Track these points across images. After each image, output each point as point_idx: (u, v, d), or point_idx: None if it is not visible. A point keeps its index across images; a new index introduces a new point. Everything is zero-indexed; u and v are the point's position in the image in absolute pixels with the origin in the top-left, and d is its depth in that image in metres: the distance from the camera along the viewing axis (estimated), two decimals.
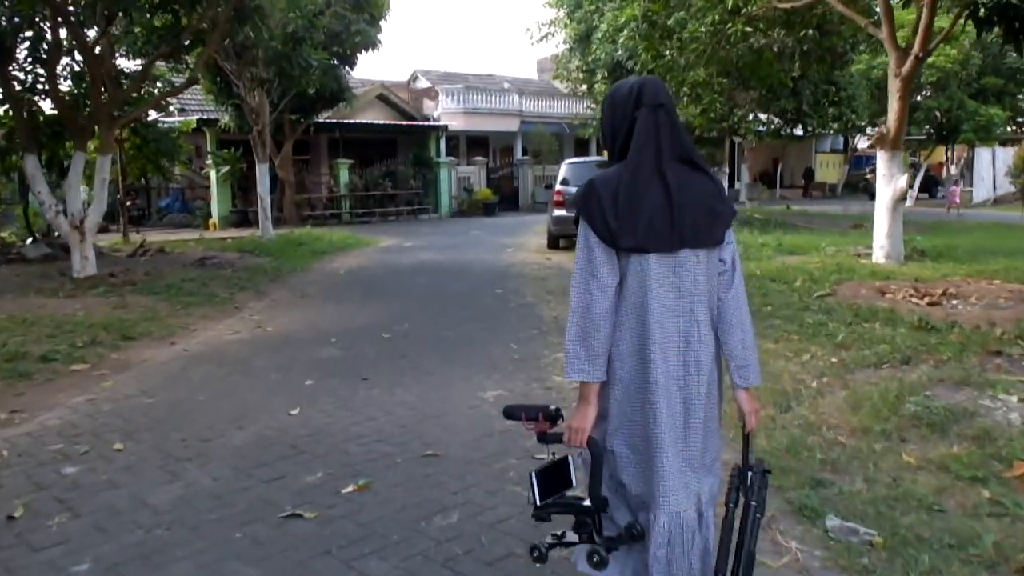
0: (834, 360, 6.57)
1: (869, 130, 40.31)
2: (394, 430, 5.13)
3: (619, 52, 20.37)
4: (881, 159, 13.07)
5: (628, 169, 2.34)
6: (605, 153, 18.97)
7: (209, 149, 25.27)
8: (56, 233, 15.66)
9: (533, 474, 2.40)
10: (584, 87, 26.45)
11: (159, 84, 16.26)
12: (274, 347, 7.66)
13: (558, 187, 16.29)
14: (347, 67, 24.01)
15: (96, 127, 11.81)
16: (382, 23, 22.90)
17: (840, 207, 30.02)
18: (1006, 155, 34.34)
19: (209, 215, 25.18)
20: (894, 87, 12.69)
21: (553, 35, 25.97)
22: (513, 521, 3.76)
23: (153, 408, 5.73)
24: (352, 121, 27.89)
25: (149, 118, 17.36)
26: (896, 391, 5.44)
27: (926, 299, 9.25)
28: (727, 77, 15.49)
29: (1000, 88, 32.40)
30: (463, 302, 10.21)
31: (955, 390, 5.60)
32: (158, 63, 14.34)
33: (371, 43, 22.45)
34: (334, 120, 27.13)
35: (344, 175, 26.99)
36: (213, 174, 24.76)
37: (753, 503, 2.45)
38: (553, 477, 2.45)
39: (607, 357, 2.36)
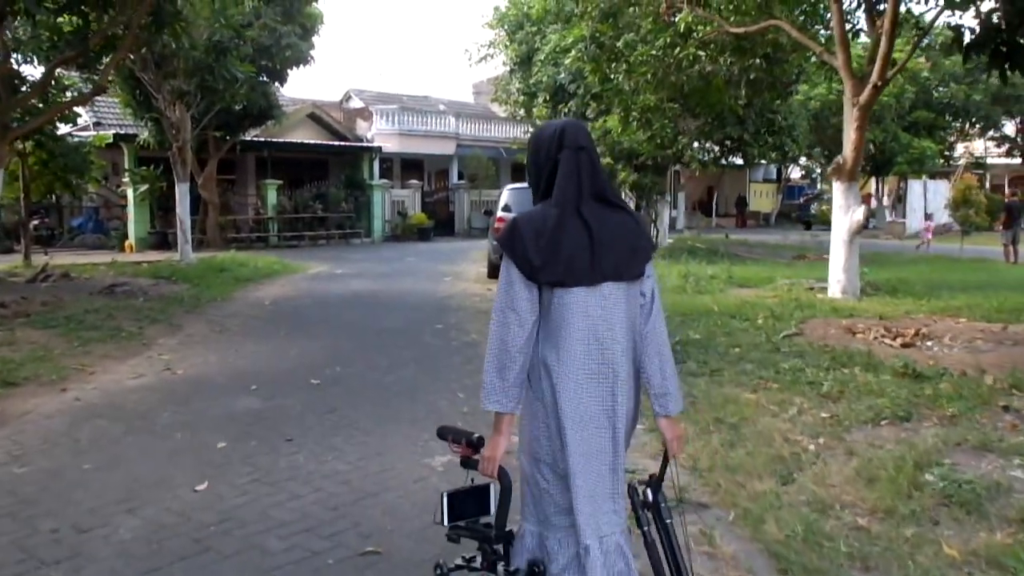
0: (825, 415, 5.84)
1: (802, 160, 40.96)
2: (324, 514, 4.17)
3: (562, 75, 19.81)
4: (838, 190, 12.60)
5: (551, 207, 2.45)
6: None
7: (127, 166, 23.79)
8: None
9: (444, 495, 2.48)
10: (523, 111, 25.83)
11: (69, 94, 14.92)
12: (183, 396, 6.60)
13: (500, 214, 15.48)
14: (277, 83, 22.95)
15: None
16: (315, 38, 21.96)
17: (778, 236, 29.99)
18: (936, 187, 34.92)
19: (126, 236, 23.66)
20: (851, 116, 12.26)
21: (492, 57, 25.33)
22: None
23: (23, 482, 4.65)
24: (281, 140, 26.68)
25: (57, 132, 15.97)
26: (912, 459, 4.70)
27: (899, 340, 8.68)
28: (675, 103, 14.95)
29: (931, 122, 32.93)
30: (401, 340, 9.26)
31: (977, 457, 4.90)
32: (69, 71, 13.08)
33: (303, 58, 21.43)
34: (262, 139, 25.91)
35: (272, 196, 25.75)
36: (130, 193, 23.24)
37: (667, 520, 2.57)
38: (471, 501, 2.52)
39: (522, 389, 2.44)
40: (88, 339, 8.92)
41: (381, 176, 29.82)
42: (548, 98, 21.35)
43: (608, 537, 2.45)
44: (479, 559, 2.54)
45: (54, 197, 23.41)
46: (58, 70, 13.16)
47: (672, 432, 2.58)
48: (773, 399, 6.28)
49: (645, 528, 2.57)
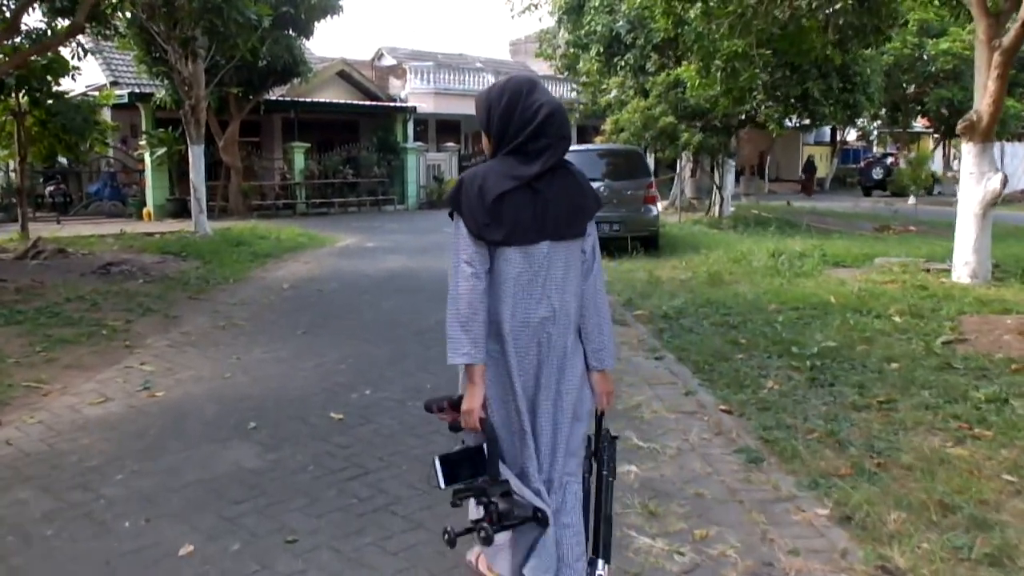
0: None
1: (858, 121, 38.17)
2: None
3: (619, 23, 17.59)
4: (969, 153, 10.41)
5: (503, 169, 2.50)
6: (597, 139, 16.02)
7: (144, 128, 22.06)
8: None
9: (436, 458, 2.47)
10: (566, 69, 23.62)
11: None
12: (153, 441, 4.75)
13: None
14: (302, 37, 20.95)
15: None
16: None
17: (846, 204, 27.58)
18: (1014, 150, 32.18)
19: (143, 204, 22.00)
20: (988, 63, 10.03)
21: (537, 7, 23.05)
22: None
23: None
24: (309, 100, 24.76)
25: (55, 87, 14.14)
26: None
27: None
28: (765, 49, 12.77)
29: (1012, 79, 30.10)
30: None
31: None
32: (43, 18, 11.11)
33: (331, 7, 19.38)
34: (288, 98, 24.01)
35: (299, 160, 23.89)
36: (147, 157, 21.55)
37: (605, 472, 2.67)
38: (465, 463, 2.49)
39: (485, 339, 2.47)
40: (58, 339, 7.12)
41: (415, 139, 27.84)
42: (601, 50, 19.15)
43: (561, 483, 2.61)
44: (486, 523, 2.43)
45: (68, 162, 21.79)
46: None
47: (603, 386, 2.71)
48: (997, 457, 4.30)
49: (586, 475, 2.69)
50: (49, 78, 13.72)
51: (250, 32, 12.75)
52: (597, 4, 18.40)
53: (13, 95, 13.72)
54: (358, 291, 10.07)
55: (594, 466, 2.70)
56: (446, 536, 2.49)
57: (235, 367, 6.42)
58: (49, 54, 12.46)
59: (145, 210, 21.70)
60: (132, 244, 14.16)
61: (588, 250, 2.62)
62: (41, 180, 24.50)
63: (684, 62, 15.58)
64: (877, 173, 37.16)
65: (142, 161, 22.20)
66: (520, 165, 2.49)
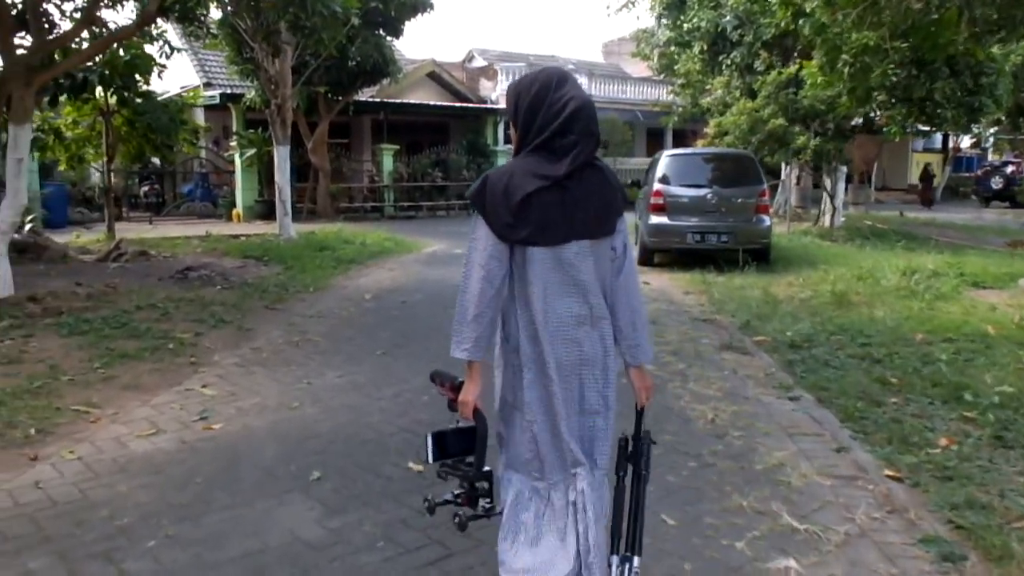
0: None
1: (974, 128, 35.71)
2: None
3: (727, 17, 16.44)
4: None
5: (529, 167, 2.42)
6: (698, 143, 14.83)
7: (235, 129, 21.93)
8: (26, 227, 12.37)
9: (429, 434, 2.58)
10: (663, 70, 22.48)
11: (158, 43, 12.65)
12: (200, 491, 4.00)
13: (656, 186, 12.45)
14: (392, 36, 20.43)
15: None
16: None
17: (966, 215, 25.64)
18: None
19: (233, 205, 21.85)
20: None
21: (634, 4, 22.00)
22: None
23: None
24: (399, 101, 24.28)
25: (143, 87, 13.85)
26: None
27: None
28: (900, 42, 11.46)
29: None
30: None
31: None
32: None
33: (421, 4, 18.77)
34: (378, 99, 23.57)
35: (388, 163, 23.42)
36: (237, 158, 21.39)
37: (644, 471, 2.60)
38: (456, 441, 2.59)
39: (490, 339, 2.47)
40: (119, 354, 6.52)
41: (506, 141, 27.09)
42: (704, 48, 18.01)
43: (576, 482, 2.51)
44: (461, 497, 2.60)
45: (159, 162, 21.84)
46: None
47: (641, 382, 2.66)
48: None
49: (620, 473, 2.59)
50: (138, 77, 13.44)
51: (337, 27, 12.14)
52: None
53: (101, 94, 13.48)
54: (444, 304, 9.27)
55: (628, 466, 2.62)
56: (426, 503, 2.65)
57: (304, 394, 5.67)
58: (133, 51, 12.08)
59: (234, 211, 21.55)
60: (216, 247, 13.76)
61: (619, 247, 2.56)
62: (137, 180, 24.76)
63: (799, 59, 14.34)
64: (996, 183, 34.75)
65: (233, 162, 22.07)
66: (547, 163, 2.41)
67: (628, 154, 29.65)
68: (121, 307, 8.19)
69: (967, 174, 41.39)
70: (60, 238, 14.50)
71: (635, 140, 30.68)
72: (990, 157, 43.02)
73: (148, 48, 13.17)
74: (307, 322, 8.21)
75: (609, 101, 29.85)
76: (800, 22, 11.47)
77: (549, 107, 2.41)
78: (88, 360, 6.33)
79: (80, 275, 10.20)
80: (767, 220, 12.52)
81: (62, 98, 12.05)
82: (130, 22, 12.09)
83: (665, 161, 12.75)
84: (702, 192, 12.30)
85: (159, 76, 13.29)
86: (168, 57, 13.94)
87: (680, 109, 22.40)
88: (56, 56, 8.90)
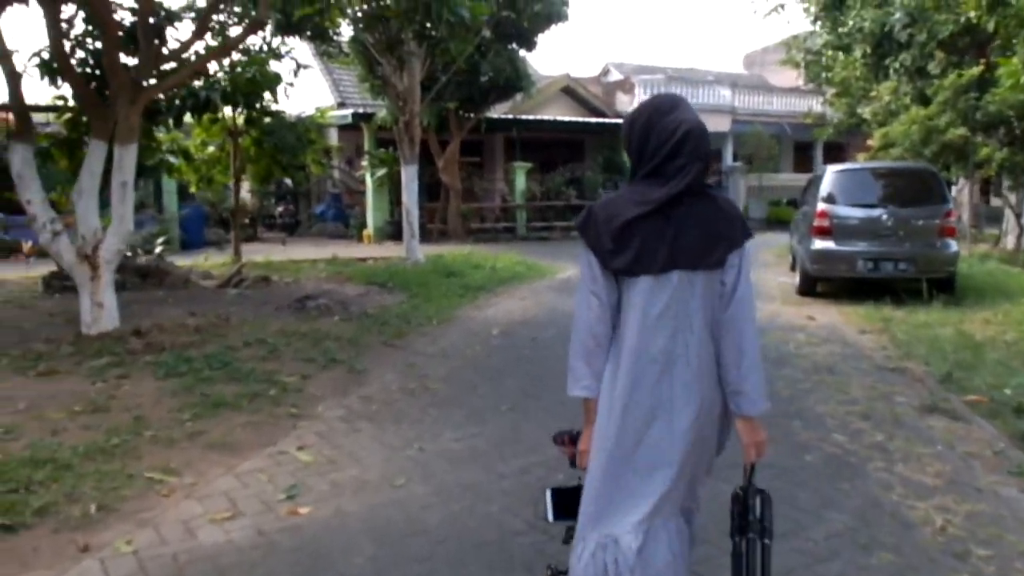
0: None
1: None
2: None
3: (896, 15, 14.70)
4: None
5: (635, 195, 2.36)
6: (859, 156, 13.04)
7: (366, 148, 21.64)
8: (135, 254, 12.13)
9: (549, 490, 2.52)
10: (815, 77, 20.67)
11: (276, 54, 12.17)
12: None
13: (821, 206, 10.96)
14: (524, 50, 19.60)
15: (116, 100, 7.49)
16: None
17: None
18: None
19: (364, 225, 21.54)
20: None
21: (784, 8, 20.36)
22: None
23: None
24: (532, 117, 23.44)
25: (272, 106, 13.45)
26: None
27: None
28: None
29: None
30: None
31: None
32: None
33: (556, 14, 17.84)
34: (510, 116, 22.81)
35: (520, 181, 22.59)
36: (368, 178, 21.07)
37: (764, 540, 2.38)
38: (578, 501, 2.40)
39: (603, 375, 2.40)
40: (214, 401, 5.75)
41: None
42: (868, 51, 16.24)
43: (622, 538, 2.33)
44: None
45: (292, 183, 21.81)
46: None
47: (748, 436, 2.41)
48: None
49: (736, 538, 2.40)
50: (267, 95, 13.05)
51: (466, 37, 11.32)
52: None
53: (229, 114, 13.19)
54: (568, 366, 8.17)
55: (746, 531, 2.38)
56: (549, 572, 2.59)
57: (414, 465, 4.68)
58: (256, 67, 11.63)
59: (365, 232, 21.23)
60: (340, 271, 13.17)
61: (730, 281, 2.37)
62: (272, 201, 24.96)
63: (983, 59, 12.52)
64: None
65: (364, 182, 21.80)
66: (653, 189, 2.33)
67: (774, 170, 27.78)
68: (228, 342, 7.51)
69: None
70: (192, 260, 14.36)
71: (781, 155, 28.76)
72: None
73: (276, 66, 12.72)
74: (427, 363, 7.28)
75: (753, 113, 28.11)
76: (995, 13, 9.76)
77: (660, 131, 2.34)
78: (178, 409, 5.58)
79: (197, 303, 9.70)
80: (953, 245, 10.80)
81: (187, 118, 11.72)
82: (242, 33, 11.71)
83: (831, 177, 11.22)
84: (876, 213, 10.73)
85: (285, 94, 12.83)
86: (296, 75, 13.59)
87: (836, 120, 20.52)
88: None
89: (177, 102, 10.89)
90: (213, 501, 4.16)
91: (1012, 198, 15.75)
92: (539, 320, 9.52)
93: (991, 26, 10.55)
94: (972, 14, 13.48)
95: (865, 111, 17.25)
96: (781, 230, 20.43)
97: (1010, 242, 16.70)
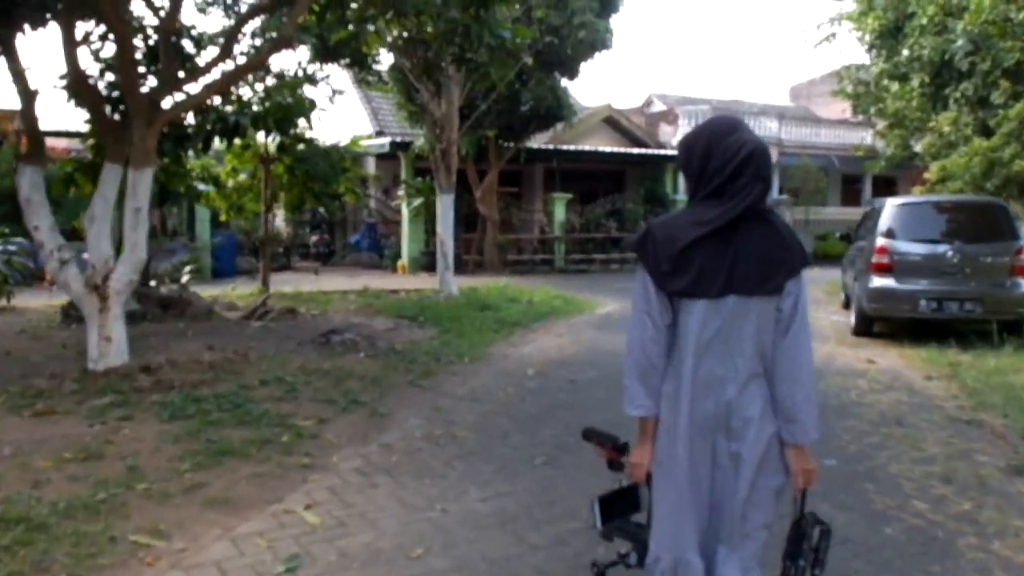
0: None
1: None
2: None
3: (959, 42, 14.01)
4: None
5: (694, 217, 2.35)
6: (915, 190, 12.27)
7: (403, 177, 21.32)
8: (160, 283, 11.80)
9: (596, 500, 2.60)
10: (863, 109, 19.93)
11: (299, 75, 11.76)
12: None
13: (881, 241, 10.26)
14: (566, 78, 19.16)
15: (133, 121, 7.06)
16: (614, 17, 17.78)
17: None
18: None
19: (398, 256, 21.16)
20: None
21: (835, 37, 19.69)
22: None
23: None
24: (573, 148, 22.96)
25: (306, 133, 13.11)
26: None
27: None
28: None
29: None
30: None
31: None
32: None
33: (600, 42, 17.38)
34: (551, 146, 22.36)
35: (560, 212, 22.08)
36: (404, 207, 20.71)
37: (812, 561, 2.41)
38: (620, 502, 2.61)
39: (660, 393, 2.41)
40: (220, 449, 5.23)
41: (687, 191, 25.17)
42: (927, 80, 15.53)
43: (683, 558, 2.39)
44: (632, 556, 2.63)
45: (323, 210, 21.55)
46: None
47: (798, 464, 2.41)
48: None
49: (787, 562, 2.43)
50: (301, 122, 12.71)
51: (507, 62, 10.87)
52: (924, 23, 14.87)
53: (261, 140, 12.88)
54: (619, 386, 7.53)
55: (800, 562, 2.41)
56: (594, 569, 2.76)
57: (434, 531, 4.11)
58: (286, 91, 11.28)
59: (400, 262, 20.85)
60: (371, 303, 12.70)
61: (787, 308, 2.37)
62: (308, 229, 24.73)
63: None
64: None
65: (400, 212, 21.45)
66: (712, 210, 2.31)
67: (822, 203, 26.96)
68: (244, 380, 7.02)
69: None
70: (220, 289, 14.01)
71: (829, 188, 27.94)
72: None
73: (311, 92, 12.38)
74: (455, 406, 6.71)
75: (801, 145, 27.38)
76: None
77: (723, 152, 2.32)
78: (179, 458, 5.06)
79: (217, 336, 9.26)
80: None
81: (218, 144, 11.40)
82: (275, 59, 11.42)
83: (891, 211, 10.51)
84: (940, 249, 10.00)
85: (319, 120, 12.47)
86: (331, 100, 13.27)
87: (889, 152, 19.74)
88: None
89: (208, 127, 10.57)
90: (202, 573, 3.62)
91: None
92: (578, 360, 8.91)
93: None
94: None
95: (920, 143, 16.50)
96: (828, 265, 19.65)
97: None
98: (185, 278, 12.91)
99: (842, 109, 35.13)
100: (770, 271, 2.33)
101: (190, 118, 10.18)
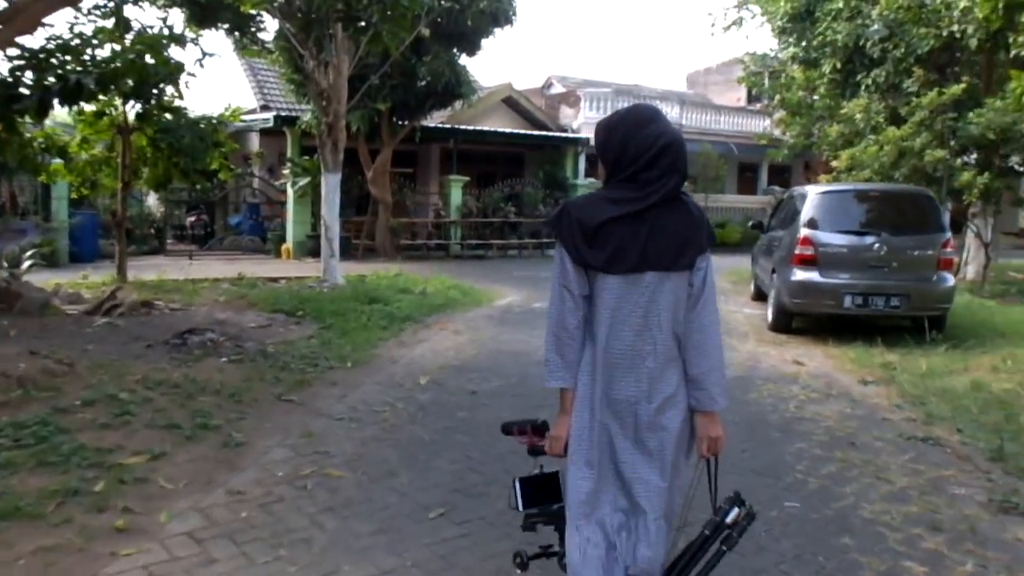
0: None
1: None
2: None
3: (875, 26, 13.49)
4: None
5: (612, 198, 2.43)
6: (822, 178, 11.72)
7: (289, 155, 19.71)
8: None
9: (516, 480, 2.62)
10: (774, 95, 19.48)
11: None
12: None
13: (805, 231, 9.52)
14: (466, 53, 17.95)
15: None
16: None
17: None
18: None
19: (283, 239, 19.55)
20: None
21: (743, 22, 19.11)
22: None
23: None
24: (472, 128, 21.78)
25: (173, 102, 11.54)
26: None
27: None
28: None
29: None
30: None
31: None
32: None
33: (503, 14, 16.24)
34: (448, 126, 21.11)
35: (456, 196, 20.90)
36: (289, 188, 19.14)
37: (725, 538, 2.46)
38: (541, 488, 2.63)
39: (579, 365, 2.48)
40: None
41: (587, 175, 24.38)
42: (838, 66, 15.01)
43: (611, 525, 2.47)
44: (557, 546, 2.64)
45: (210, 189, 19.78)
46: None
47: (704, 429, 2.51)
48: None
49: (705, 531, 2.49)
50: (170, 90, 11.11)
51: (402, 23, 9.58)
52: (840, 6, 14.28)
53: (119, 107, 11.24)
54: (530, 399, 6.44)
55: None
56: (517, 560, 2.71)
57: None
58: (139, 48, 9.71)
59: (284, 247, 19.28)
60: (244, 294, 11.23)
61: (696, 283, 2.49)
62: (185, 210, 22.75)
63: (966, 77, 11.27)
64: None
65: (285, 192, 19.84)
66: (628, 194, 2.40)
67: (720, 190, 26.64)
68: (62, 401, 5.59)
69: None
70: (69, 277, 12.28)
71: (727, 175, 27.64)
72: None
73: (179, 54, 10.83)
74: (331, 430, 5.49)
75: (701, 132, 26.92)
76: (1015, 19, 8.45)
77: (640, 142, 2.38)
78: None
79: (48, 336, 7.73)
80: (950, 279, 9.47)
81: (62, 111, 9.76)
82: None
83: (815, 199, 9.78)
84: (867, 241, 9.33)
85: (186, 87, 10.91)
86: (201, 64, 11.74)
87: (792, 141, 19.33)
88: None
89: (44, 87, 8.91)
90: None
91: (980, 225, 14.62)
92: (478, 365, 7.79)
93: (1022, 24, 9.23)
94: (956, 28, 12.38)
95: (830, 131, 16.03)
96: (726, 253, 19.24)
97: (970, 272, 15.60)
98: (26, 264, 11.16)
99: (737, 98, 35.18)
100: (684, 248, 2.41)
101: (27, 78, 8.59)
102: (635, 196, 2.37)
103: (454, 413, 6.04)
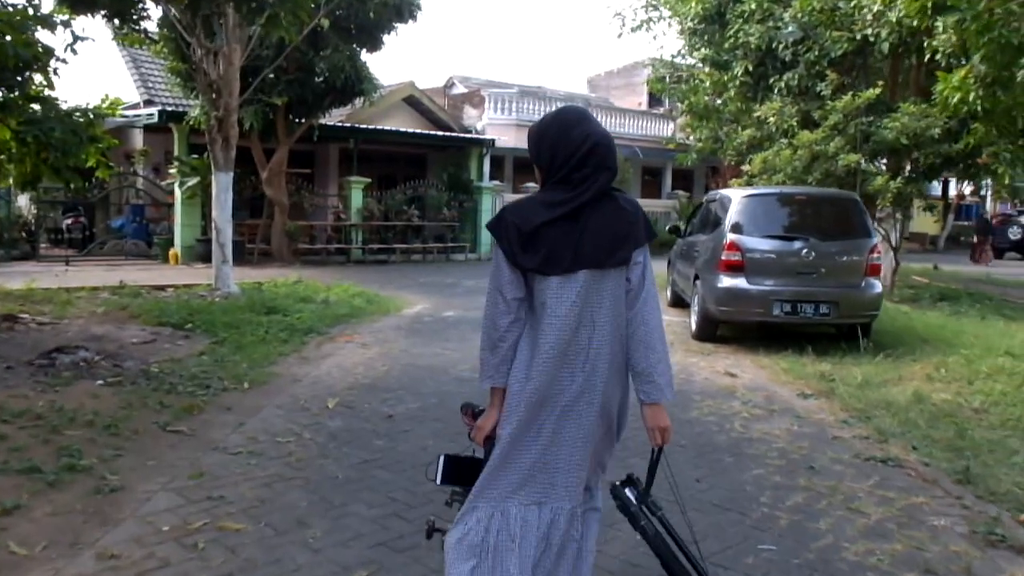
0: None
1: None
2: None
3: (788, 28, 13.34)
4: None
5: (546, 200, 2.48)
6: (735, 182, 11.52)
7: (176, 153, 18.41)
8: None
9: (442, 456, 2.69)
10: (683, 99, 19.30)
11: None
12: None
13: (731, 236, 9.13)
14: (367, 49, 17.10)
15: None
16: None
17: (1021, 270, 22.64)
18: None
19: (170, 244, 18.22)
20: None
21: (653, 23, 18.85)
22: None
23: None
24: (373, 127, 20.89)
25: (42, 92, 10.32)
26: None
27: None
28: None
29: None
30: None
31: None
32: None
33: (406, 7, 15.46)
34: (348, 125, 20.18)
35: (357, 198, 20.00)
36: (176, 188, 17.84)
37: (659, 512, 2.60)
38: (464, 470, 2.62)
39: (511, 364, 2.51)
40: None
41: (491, 177, 23.80)
42: (750, 68, 14.86)
43: (522, 516, 2.48)
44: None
45: (69, 188, 18.19)
46: None
47: (654, 421, 2.56)
48: None
49: (643, 523, 2.56)
50: (38, 78, 9.91)
51: (301, 4, 8.74)
52: (754, 7, 14.10)
53: None
54: (456, 419, 5.75)
55: (645, 512, 2.61)
56: (427, 527, 2.75)
57: None
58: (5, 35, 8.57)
59: (171, 252, 17.94)
60: (126, 305, 10.13)
61: (635, 278, 2.55)
62: (61, 211, 21.04)
63: (880, 81, 11.20)
64: (1015, 233, 32.58)
65: (172, 193, 18.52)
66: (562, 195, 2.46)
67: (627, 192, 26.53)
68: None
69: (966, 223, 39.64)
70: None
71: (632, 179, 27.55)
72: (988, 205, 41.04)
73: (49, 39, 9.63)
74: (227, 468, 4.66)
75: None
76: (935, 21, 8.26)
77: (569, 143, 2.44)
78: None
79: None
80: (878, 285, 9.25)
81: None
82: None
83: (740, 204, 9.41)
84: (795, 246, 9.02)
85: (55, 72, 9.76)
86: (72, 50, 10.56)
87: (699, 145, 19.20)
88: None
89: None
90: None
91: (890, 230, 14.70)
92: (393, 382, 7.03)
93: (940, 27, 9.05)
94: (869, 31, 12.33)
95: (740, 134, 15.90)
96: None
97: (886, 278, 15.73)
98: None
99: (639, 102, 35.30)
100: (617, 244, 2.47)
101: None
102: (568, 197, 2.43)
103: (370, 442, 5.29)
